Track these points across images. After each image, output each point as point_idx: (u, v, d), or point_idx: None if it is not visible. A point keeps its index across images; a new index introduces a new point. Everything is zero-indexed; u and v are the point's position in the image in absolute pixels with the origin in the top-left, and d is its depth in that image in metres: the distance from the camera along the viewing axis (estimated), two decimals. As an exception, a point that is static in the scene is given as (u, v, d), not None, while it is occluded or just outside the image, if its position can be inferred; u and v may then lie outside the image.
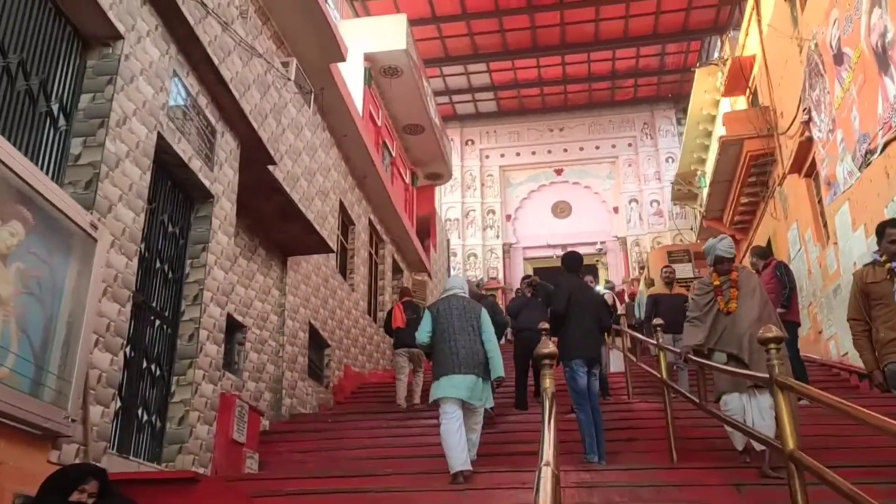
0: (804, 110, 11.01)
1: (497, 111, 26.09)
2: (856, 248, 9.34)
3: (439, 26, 19.78)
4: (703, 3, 19.03)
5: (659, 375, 6.21)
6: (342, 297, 11.58)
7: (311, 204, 8.30)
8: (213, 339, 6.02)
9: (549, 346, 3.38)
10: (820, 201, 11.26)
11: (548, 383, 3.31)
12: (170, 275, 5.77)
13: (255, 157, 7.04)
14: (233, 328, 7.79)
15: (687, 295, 8.76)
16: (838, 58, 9.52)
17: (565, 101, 25.39)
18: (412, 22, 16.09)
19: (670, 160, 24.80)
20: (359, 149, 12.14)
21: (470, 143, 26.44)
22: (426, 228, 18.50)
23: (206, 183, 6.03)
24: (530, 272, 25.45)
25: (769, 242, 14.12)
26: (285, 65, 8.29)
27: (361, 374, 12.10)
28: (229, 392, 6.59)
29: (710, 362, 4.71)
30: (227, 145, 6.51)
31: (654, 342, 6.61)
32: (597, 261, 24.81)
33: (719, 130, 17.99)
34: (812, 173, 11.52)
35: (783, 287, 7.75)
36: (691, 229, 23.53)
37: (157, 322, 5.53)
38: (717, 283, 5.01)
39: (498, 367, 5.47)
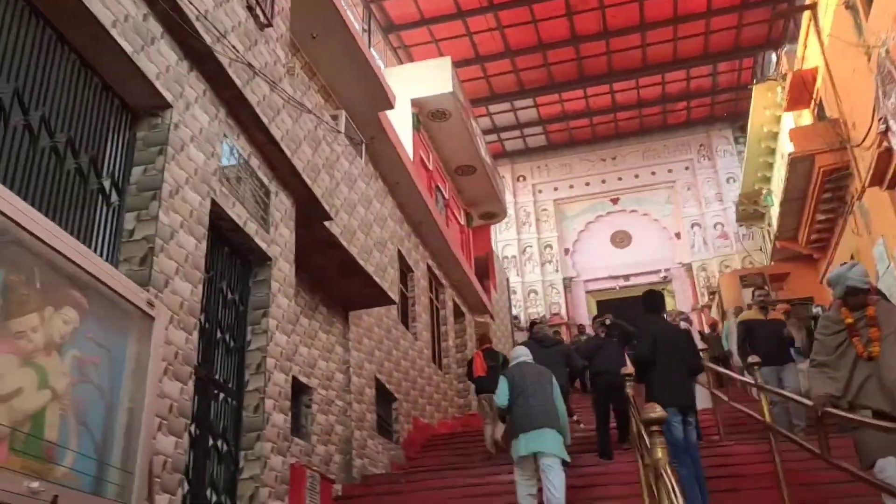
0: (880, 120, 10.39)
1: (547, 145, 25.77)
2: (954, 262, 8.63)
3: (483, 66, 19.68)
4: (754, 20, 18.50)
5: (761, 418, 5.69)
6: (406, 347, 11.29)
7: (369, 256, 8.09)
8: (279, 407, 5.77)
9: (655, 409, 2.99)
10: (908, 214, 10.56)
11: (660, 454, 2.92)
12: (231, 344, 5.55)
13: (310, 213, 6.86)
14: (298, 391, 7.55)
15: (784, 321, 8.17)
16: (914, 62, 8.94)
17: (616, 129, 24.94)
18: (456, 64, 15.99)
19: (731, 180, 24.02)
20: (412, 195, 11.96)
21: (522, 178, 26.13)
22: (484, 269, 18.16)
23: (263, 246, 5.83)
24: (593, 305, 24.86)
25: (853, 257, 13.34)
26: (335, 118, 8.16)
27: (430, 425, 11.73)
28: (299, 462, 6.31)
29: (860, 417, 3.89)
30: (281, 205, 6.33)
31: (752, 381, 6.09)
32: (662, 289, 24.01)
33: (784, 147, 17.30)
34: (895, 185, 10.82)
35: None
36: (760, 250, 22.65)
37: (221, 395, 5.30)
38: (849, 320, 4.09)
39: (566, 434, 6.06)
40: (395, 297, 8.88)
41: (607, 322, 8.50)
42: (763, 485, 5.86)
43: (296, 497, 5.71)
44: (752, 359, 6.14)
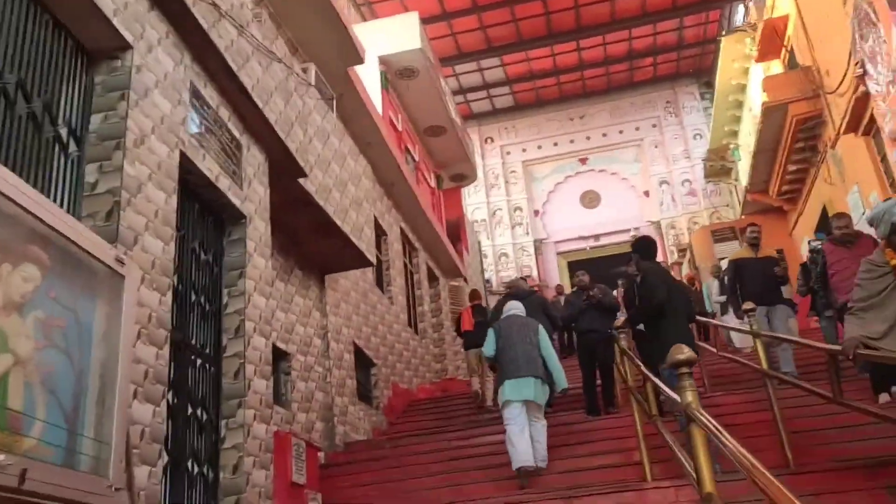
0: (857, 64, 10.27)
1: (514, 105, 25.44)
2: (936, 205, 8.58)
3: (450, 22, 19.19)
4: (722, -31, 18.26)
5: (758, 367, 5.54)
6: (382, 312, 11.01)
7: (345, 216, 7.75)
8: (260, 373, 5.46)
9: (683, 350, 2.74)
10: (884, 159, 10.50)
11: (690, 398, 2.68)
12: (207, 307, 5.21)
13: (283, 170, 6.49)
14: (277, 357, 7.23)
15: (777, 258, 8.01)
16: (893, 1, 8.78)
17: (583, 87, 24.69)
18: (423, 20, 15.51)
19: (698, 137, 24.01)
20: (384, 155, 11.57)
21: (489, 140, 25.81)
22: (456, 232, 17.88)
23: (237, 202, 5.47)
24: (564, 266, 24.77)
25: (824, 210, 13.34)
26: (305, 70, 7.74)
27: (409, 390, 11.51)
28: (282, 429, 6.02)
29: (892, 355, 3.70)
30: (254, 159, 5.95)
31: (745, 328, 5.94)
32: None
33: (753, 99, 17.23)
34: (871, 131, 10.76)
35: None
36: (728, 206, 22.73)
37: (199, 361, 4.98)
38: (894, 262, 3.80)
39: (561, 380, 6.30)
40: (371, 258, 8.56)
41: (589, 291, 7.86)
42: (760, 433, 5.74)
43: (281, 465, 5.44)
44: (747, 305, 5.98)
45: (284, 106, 6.39)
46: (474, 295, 10.86)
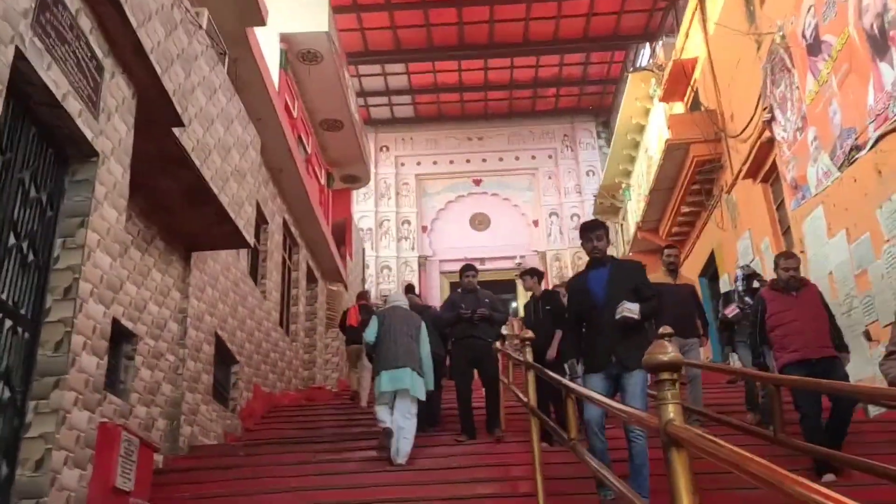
0: (765, 109, 10.28)
1: (414, 116, 24.82)
2: (833, 254, 8.55)
3: (360, 16, 18.34)
4: (635, 7, 18.45)
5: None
6: (253, 306, 9.93)
7: (224, 185, 6.73)
8: (92, 348, 4.38)
9: (667, 349, 2.05)
10: (779, 207, 10.55)
11: (672, 413, 1.98)
12: (30, 257, 4.11)
13: (156, 116, 5.44)
14: (119, 337, 6.10)
15: (693, 286, 7.55)
16: (814, 47, 8.77)
17: (485, 108, 24.44)
18: (333, 8, 14.62)
19: (591, 173, 24.26)
20: (275, 137, 10.58)
21: (385, 149, 25.03)
22: (341, 235, 16.93)
23: (89, 135, 4.40)
24: (446, 286, 24.24)
25: (712, 254, 13.42)
26: (197, 15, 6.70)
27: (273, 394, 10.44)
28: (112, 421, 4.93)
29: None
30: (118, 91, 4.89)
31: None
32: (516, 276, 23.81)
33: (651, 140, 17.41)
34: (770, 178, 10.81)
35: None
36: (612, 245, 22.97)
37: (9, 323, 3.87)
38: None
39: (429, 381, 6.41)
40: (250, 240, 7.55)
41: (480, 310, 6.77)
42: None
43: (103, 466, 4.36)
44: (665, 329, 5.48)
45: (166, 37, 5.37)
46: (361, 295, 11.11)
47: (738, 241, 12.03)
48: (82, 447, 4.16)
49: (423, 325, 6.64)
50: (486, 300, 6.93)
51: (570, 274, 22.82)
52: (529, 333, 5.37)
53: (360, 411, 9.52)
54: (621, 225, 21.71)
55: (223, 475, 6.13)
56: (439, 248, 24.11)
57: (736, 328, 6.88)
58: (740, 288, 6.90)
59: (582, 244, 4.81)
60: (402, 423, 6.07)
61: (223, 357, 8.67)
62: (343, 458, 6.54)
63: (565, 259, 23.24)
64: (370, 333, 6.51)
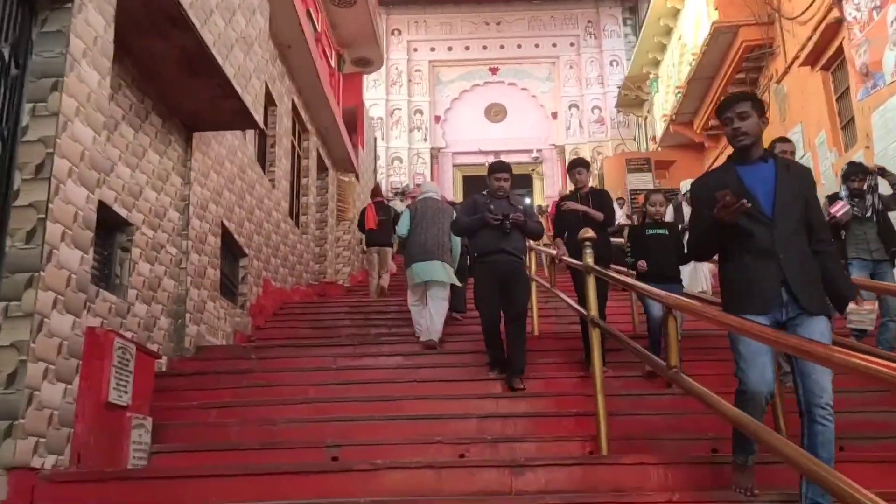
0: (835, -15, 9.13)
1: (429, -3, 23.24)
2: (907, 151, 7.66)
3: None
4: None
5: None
6: (261, 195, 9.13)
7: (229, 54, 5.81)
8: (74, 240, 3.62)
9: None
10: (840, 97, 9.55)
11: None
12: (-11, 125, 3.28)
13: (145, -41, 4.47)
14: (112, 226, 5.36)
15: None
16: None
17: (505, -10, 22.83)
18: None
19: (615, 63, 22.89)
20: (283, 7, 9.46)
21: (397, 33, 23.57)
22: (352, 123, 15.91)
23: (58, -29, 3.48)
24: (459, 180, 23.38)
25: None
26: None
27: (283, 290, 9.80)
28: (103, 327, 4.24)
29: None
30: (96, -79, 3.92)
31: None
32: (532, 170, 22.94)
33: (686, 26, 16.07)
34: (832, 65, 9.75)
35: None
36: (634, 139, 21.93)
37: (-36, 206, 3.09)
38: None
39: (455, 266, 6.70)
40: (259, 119, 6.67)
41: (515, 214, 5.44)
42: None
43: (93, 378, 3.69)
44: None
45: None
46: (375, 191, 11.04)
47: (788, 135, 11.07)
48: (66, 357, 3.46)
49: (454, 213, 6.59)
50: (521, 207, 5.58)
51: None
52: (590, 233, 4.57)
53: (378, 310, 8.92)
54: (645, 118, 20.60)
55: (234, 381, 5.51)
56: (453, 139, 23.09)
57: (845, 235, 5.74)
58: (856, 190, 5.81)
59: (720, 121, 3.24)
60: (433, 306, 6.38)
61: (231, 250, 7.96)
62: (363, 366, 5.92)
63: (584, 154, 22.20)
64: (402, 227, 6.72)
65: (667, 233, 5.50)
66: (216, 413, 4.88)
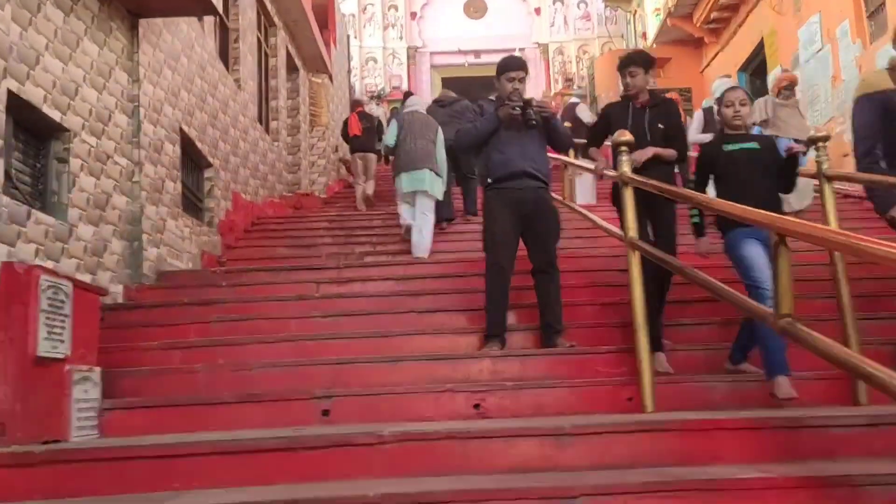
0: None
1: None
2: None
3: None
4: None
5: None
6: (226, 97, 8.11)
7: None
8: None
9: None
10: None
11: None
12: None
13: None
14: (43, 132, 4.42)
15: None
16: None
17: None
18: None
19: (603, -48, 21.35)
20: None
21: (367, -82, 21.72)
22: (323, 18, 14.57)
23: None
24: (438, 82, 22.08)
25: (760, 44, 11.54)
26: None
27: (255, 203, 8.91)
28: (24, 263, 3.40)
29: None
30: None
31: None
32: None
33: None
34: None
35: None
36: (622, 37, 20.72)
37: None
38: None
39: (443, 176, 6.74)
40: (217, 3, 5.62)
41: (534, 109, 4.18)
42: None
43: (15, 325, 2.87)
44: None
45: None
46: (357, 103, 11.50)
47: (801, 28, 10.15)
48: (-29, 306, 2.64)
49: (440, 130, 6.88)
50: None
51: (574, 70, 20.79)
52: (627, 135, 3.72)
53: (361, 225, 8.12)
54: (634, 13, 19.37)
55: (202, 315, 4.73)
56: (430, 37, 21.69)
57: None
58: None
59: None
60: (420, 220, 6.42)
61: (193, 160, 7.02)
62: (351, 293, 5.16)
63: (569, 52, 21.05)
64: (390, 137, 6.85)
65: (757, 147, 3.76)
66: (181, 355, 4.12)
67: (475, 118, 7.77)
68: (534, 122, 4.10)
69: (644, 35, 17.25)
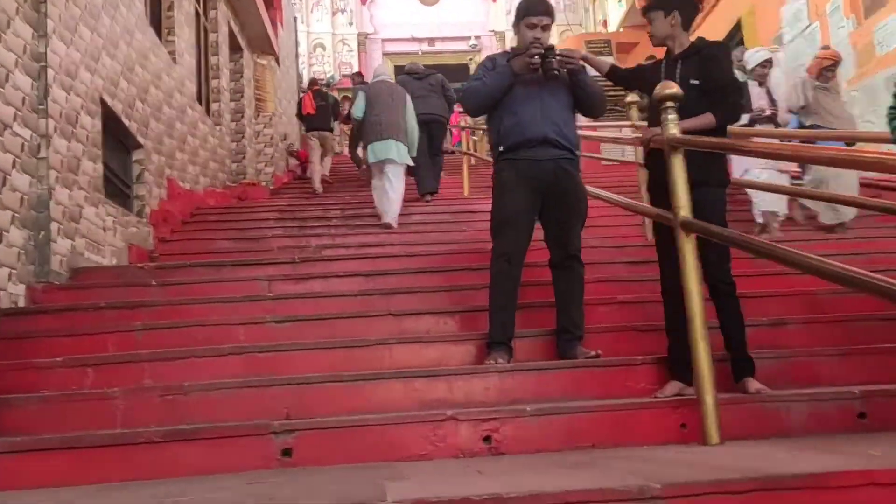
0: None
1: None
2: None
3: None
4: None
5: None
6: (159, 70, 7.08)
7: None
8: None
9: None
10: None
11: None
12: None
13: None
14: None
15: None
16: None
17: None
18: None
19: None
20: None
21: None
22: (268, -3, 13.56)
23: None
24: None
25: (738, 25, 10.97)
26: None
27: (194, 192, 7.90)
28: None
29: None
30: None
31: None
32: (470, 59, 20.94)
33: None
34: None
35: None
36: (580, 25, 20.14)
37: None
38: None
39: (413, 147, 6.77)
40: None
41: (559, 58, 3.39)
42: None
43: None
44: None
45: None
46: (314, 82, 11.82)
47: (784, 6, 9.59)
48: None
49: (408, 97, 6.89)
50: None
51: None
52: (673, 87, 2.90)
53: (315, 216, 7.23)
54: (594, 0, 18.83)
55: (124, 321, 3.78)
56: (381, 23, 20.79)
57: None
58: None
59: None
60: (390, 188, 6.42)
61: (118, 138, 6.01)
62: (311, 292, 4.25)
63: (526, 41, 20.34)
64: (358, 109, 6.79)
65: None
66: (94, 375, 3.18)
67: (448, 90, 7.59)
68: (556, 73, 3.25)
69: (605, 22, 16.68)
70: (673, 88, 2.87)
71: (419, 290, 4.11)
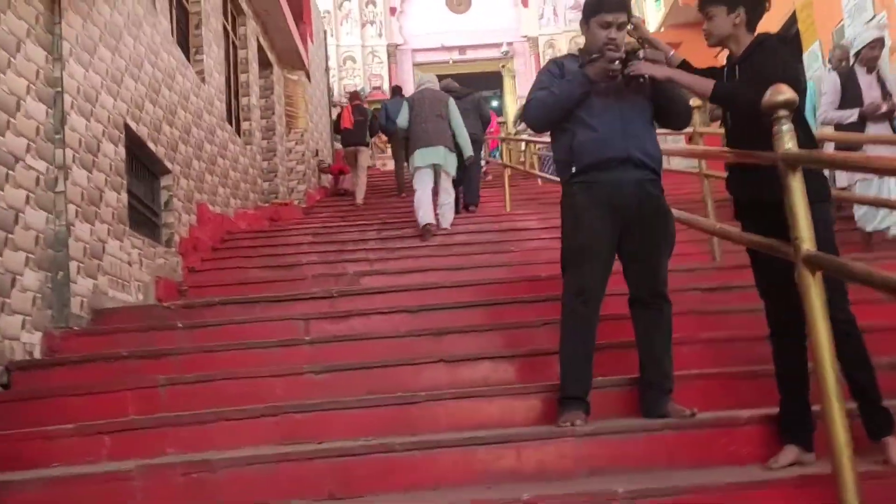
0: None
1: None
2: None
3: None
4: None
5: None
6: (186, 90, 6.76)
7: None
8: None
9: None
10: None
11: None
12: None
13: None
14: None
15: None
16: None
17: None
18: None
19: (592, -59, 20.20)
20: None
21: None
22: (298, 10, 13.25)
23: None
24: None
25: (793, 17, 10.34)
26: None
27: (225, 216, 7.55)
28: None
29: None
30: None
31: None
32: (502, 66, 20.51)
33: None
34: None
35: None
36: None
37: None
38: None
39: (467, 147, 6.77)
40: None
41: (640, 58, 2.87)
42: None
43: None
44: None
45: None
46: (354, 95, 11.41)
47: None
48: None
49: (451, 100, 6.79)
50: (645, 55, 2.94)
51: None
52: (788, 92, 2.34)
53: (352, 238, 6.84)
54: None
55: (146, 374, 3.38)
56: (411, 34, 20.39)
57: None
58: None
59: None
60: (442, 198, 6.59)
61: (144, 164, 5.67)
62: (353, 335, 3.82)
63: (560, 45, 19.78)
64: (402, 119, 6.74)
65: None
66: (110, 443, 2.79)
67: (483, 109, 8.46)
68: (642, 80, 2.78)
69: (643, 22, 16.08)
70: (786, 94, 2.36)
71: (470, 330, 3.66)
